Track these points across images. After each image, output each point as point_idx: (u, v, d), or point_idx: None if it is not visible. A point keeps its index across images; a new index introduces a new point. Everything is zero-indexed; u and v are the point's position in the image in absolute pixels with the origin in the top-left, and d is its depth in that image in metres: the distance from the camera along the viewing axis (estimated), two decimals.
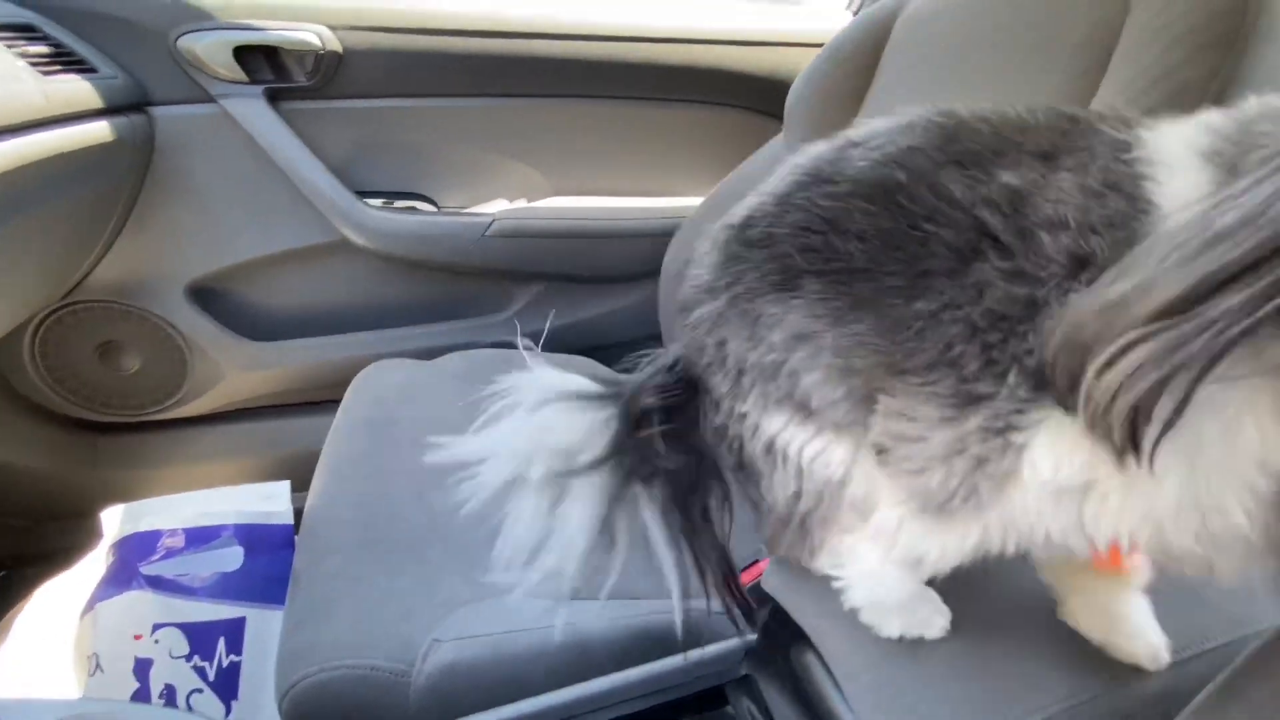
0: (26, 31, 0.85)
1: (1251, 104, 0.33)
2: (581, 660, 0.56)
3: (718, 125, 1.18)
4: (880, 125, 0.41)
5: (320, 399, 1.11)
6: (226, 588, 0.73)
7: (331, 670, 0.53)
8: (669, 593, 0.63)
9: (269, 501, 0.79)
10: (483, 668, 0.55)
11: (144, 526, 0.75)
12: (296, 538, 0.74)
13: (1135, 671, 0.43)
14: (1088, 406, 0.28)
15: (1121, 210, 0.32)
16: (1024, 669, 0.43)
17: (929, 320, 0.36)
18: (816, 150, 0.43)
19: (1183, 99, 0.51)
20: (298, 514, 0.75)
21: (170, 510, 0.77)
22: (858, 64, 0.83)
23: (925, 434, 0.37)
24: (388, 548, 0.65)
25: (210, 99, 0.98)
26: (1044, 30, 0.64)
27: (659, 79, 1.12)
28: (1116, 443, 0.28)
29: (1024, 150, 0.36)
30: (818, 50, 0.89)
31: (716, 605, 0.51)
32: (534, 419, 0.47)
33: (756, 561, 0.59)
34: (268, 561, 0.75)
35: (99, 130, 0.85)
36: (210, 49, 0.96)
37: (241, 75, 0.98)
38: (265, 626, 0.73)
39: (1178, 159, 0.32)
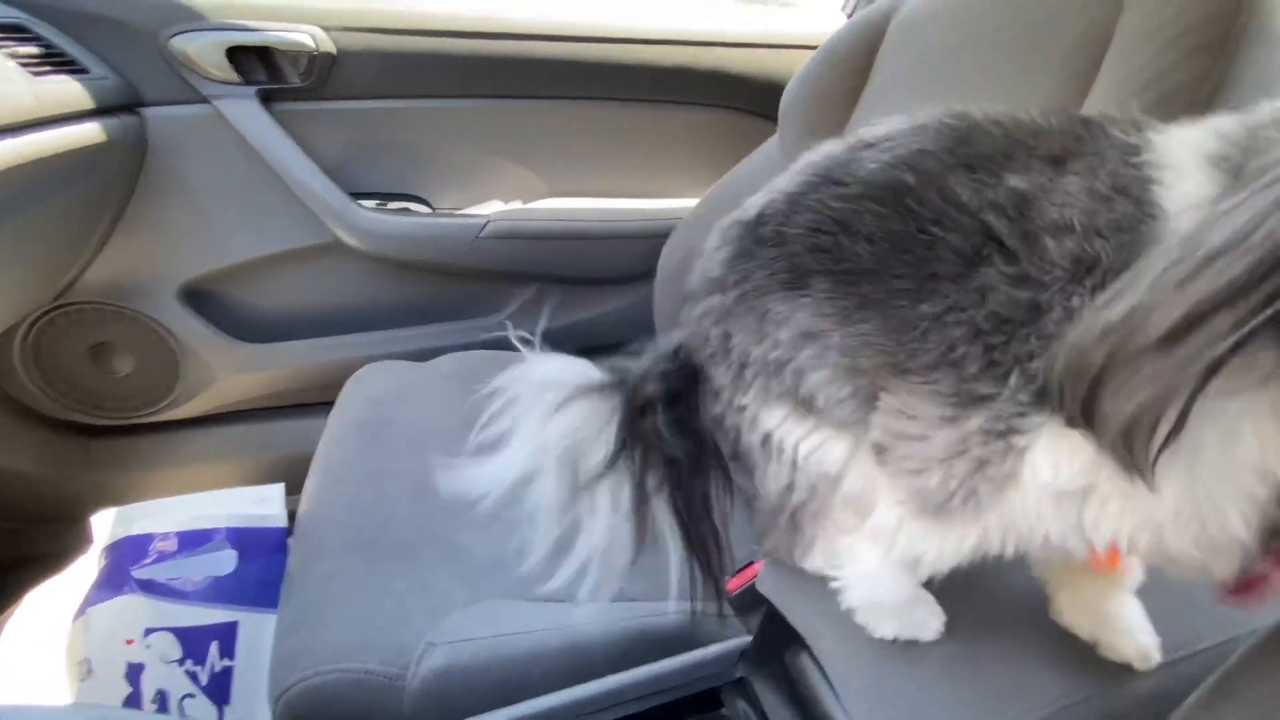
0: (16, 32, 0.85)
1: (1264, 109, 0.33)
2: (577, 663, 0.56)
3: (713, 127, 1.18)
4: (893, 126, 0.42)
5: (314, 401, 1.10)
6: (219, 592, 0.72)
7: (325, 674, 0.53)
8: (665, 594, 0.63)
9: (262, 505, 0.78)
10: (477, 671, 0.55)
11: (136, 530, 0.75)
12: (290, 541, 0.73)
13: (1128, 672, 0.43)
14: (1101, 432, 0.28)
15: (1128, 214, 0.33)
16: (1017, 670, 0.43)
17: (934, 322, 0.36)
18: (829, 149, 0.44)
19: (1175, 101, 0.51)
20: (291, 517, 0.75)
21: (162, 514, 0.77)
22: (852, 66, 0.83)
23: (926, 433, 0.37)
24: (382, 551, 0.65)
25: (203, 100, 0.98)
26: (1037, 32, 0.64)
27: (654, 80, 1.12)
28: (1130, 463, 0.28)
29: (1034, 154, 0.36)
30: (812, 52, 0.89)
31: (712, 595, 0.51)
32: (541, 417, 0.47)
33: (752, 563, 0.59)
34: (261, 565, 0.75)
35: (90, 131, 0.84)
36: (203, 49, 0.95)
37: (234, 76, 0.97)
38: (258, 630, 0.72)
39: (1185, 163, 0.32)
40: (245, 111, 0.99)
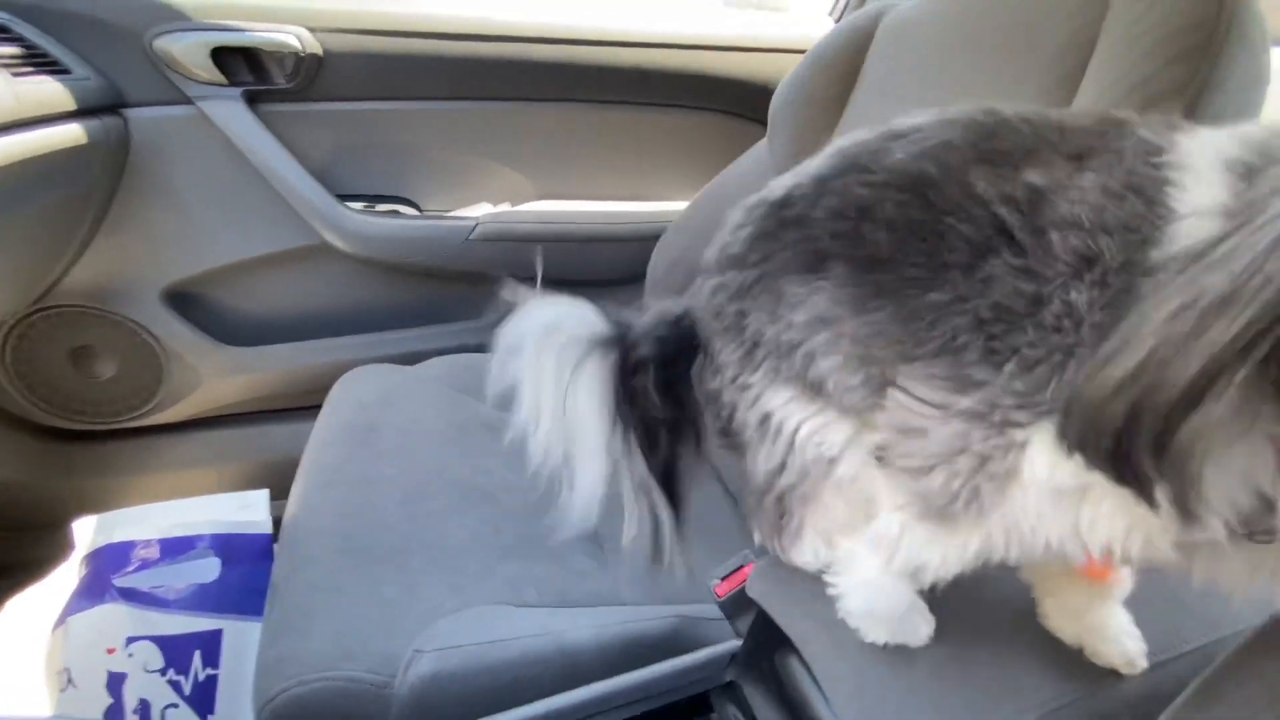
0: None
1: None
2: (566, 668, 0.56)
3: (702, 130, 1.18)
4: (924, 119, 0.42)
5: (300, 405, 1.09)
6: (203, 599, 0.71)
7: (311, 683, 0.52)
8: (654, 599, 0.63)
9: (247, 511, 0.77)
10: (465, 678, 0.54)
11: (117, 537, 0.73)
12: (275, 547, 0.72)
13: (1116, 675, 0.43)
14: (1136, 486, 0.28)
15: (1139, 213, 0.33)
16: (1006, 673, 0.43)
17: (941, 311, 0.37)
18: (860, 137, 0.44)
19: (1158, 106, 0.52)
20: (277, 523, 0.74)
21: (145, 520, 0.75)
22: (840, 70, 0.84)
23: (927, 426, 0.37)
24: (369, 557, 0.64)
25: (187, 100, 0.96)
26: (1023, 37, 0.65)
27: (644, 84, 1.12)
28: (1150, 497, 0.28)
29: (1057, 151, 0.37)
30: (801, 56, 0.90)
31: (656, 560, 0.51)
32: (544, 363, 0.48)
33: (741, 567, 0.58)
34: (245, 572, 0.74)
35: (72, 132, 0.83)
36: (187, 50, 0.94)
37: (219, 77, 0.96)
38: (243, 639, 0.72)
39: (1204, 167, 0.32)
40: (230, 113, 0.98)
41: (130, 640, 0.69)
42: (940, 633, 0.45)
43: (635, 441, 0.50)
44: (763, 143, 0.94)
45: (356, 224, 1.04)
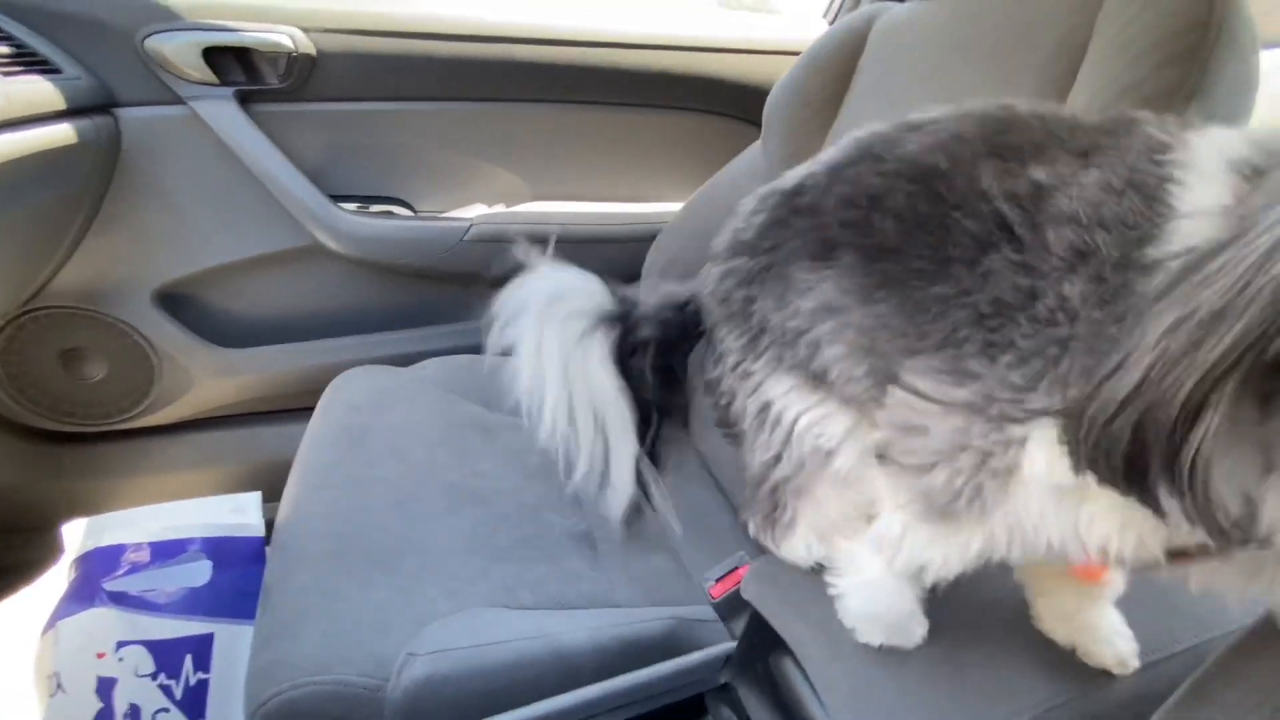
0: None
1: None
2: (560, 671, 0.56)
3: (697, 131, 1.18)
4: (940, 112, 0.42)
5: (293, 407, 1.09)
6: (194, 603, 0.71)
7: (303, 687, 0.52)
8: (648, 601, 0.63)
9: (239, 513, 0.77)
10: (459, 681, 0.54)
11: (107, 541, 0.73)
12: (268, 550, 0.72)
13: (1108, 675, 0.43)
14: (1148, 501, 0.28)
15: (1137, 209, 0.33)
16: (999, 675, 0.43)
17: (944, 305, 0.37)
18: (877, 128, 0.45)
19: (1150, 109, 0.52)
20: (269, 525, 0.74)
21: (135, 523, 0.75)
22: (834, 72, 0.84)
23: (927, 423, 0.37)
24: (362, 560, 0.64)
25: (179, 100, 0.96)
26: (1015, 41, 0.65)
27: (638, 85, 1.12)
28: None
29: (1065, 147, 0.37)
30: (795, 58, 0.90)
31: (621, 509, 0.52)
32: (546, 331, 0.48)
33: (736, 569, 0.59)
34: (237, 575, 0.73)
35: (62, 132, 0.83)
36: (179, 50, 0.94)
37: (211, 77, 0.96)
38: (234, 643, 0.71)
39: (1210, 166, 0.32)
40: (222, 113, 0.97)
41: (120, 644, 0.68)
42: (934, 635, 0.45)
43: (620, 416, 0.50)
44: (757, 144, 0.94)
45: (350, 225, 1.04)
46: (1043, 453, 0.34)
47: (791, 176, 0.47)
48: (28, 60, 0.84)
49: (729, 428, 0.49)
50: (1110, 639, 0.43)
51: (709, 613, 0.60)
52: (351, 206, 1.06)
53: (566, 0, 1.14)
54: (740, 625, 0.56)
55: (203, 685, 0.70)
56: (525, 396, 0.50)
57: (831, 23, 1.16)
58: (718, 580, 0.59)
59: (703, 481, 0.81)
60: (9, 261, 0.87)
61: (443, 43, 1.03)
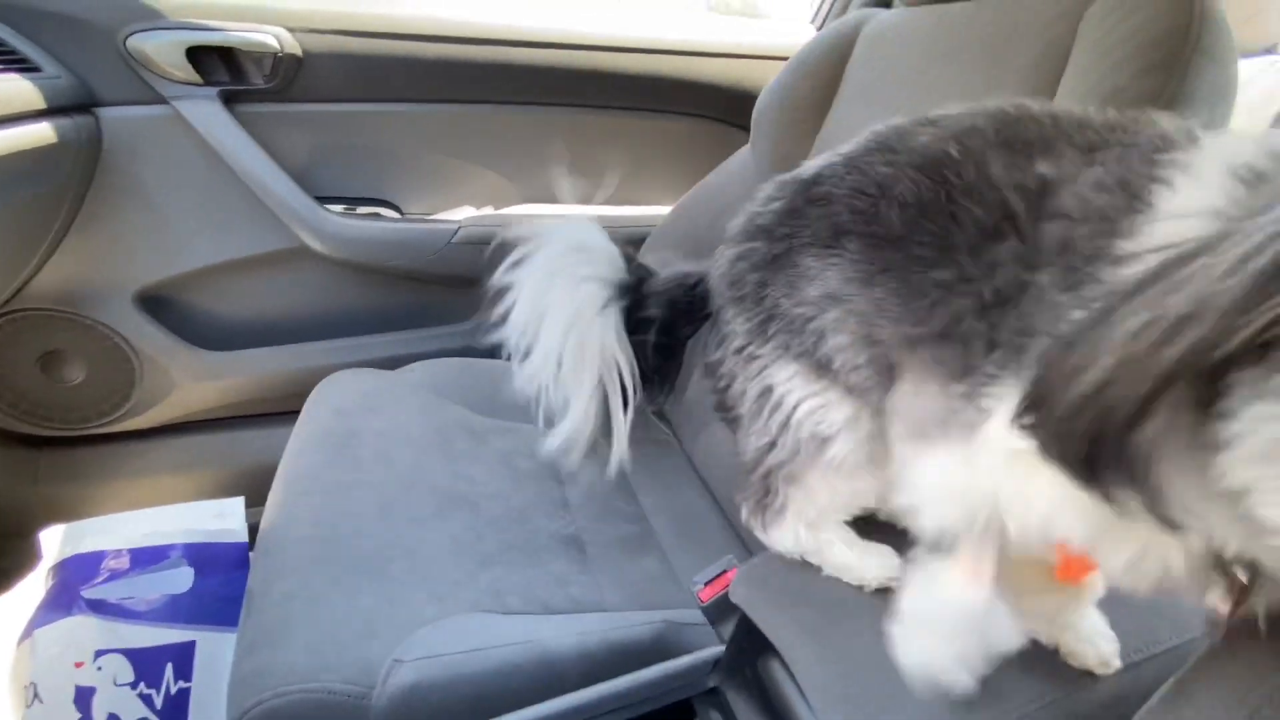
0: None
1: None
2: (548, 677, 0.56)
3: (686, 135, 1.18)
4: (957, 109, 0.43)
5: (277, 410, 1.07)
6: (175, 610, 0.69)
7: (287, 695, 0.51)
8: (636, 605, 0.62)
9: (221, 519, 0.76)
10: (446, 688, 0.53)
11: (86, 547, 0.72)
12: (251, 556, 0.71)
13: (1091, 676, 0.44)
14: (1101, 491, 0.29)
15: (1116, 205, 0.33)
16: (984, 677, 0.44)
17: (944, 291, 0.37)
18: (896, 122, 0.45)
19: None
20: (253, 531, 0.73)
21: (114, 529, 0.74)
22: (822, 77, 0.85)
23: (927, 407, 0.38)
24: (347, 566, 0.63)
25: (162, 100, 0.95)
26: (1000, 48, 0.66)
27: (628, 88, 1.12)
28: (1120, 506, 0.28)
29: (1071, 144, 0.37)
30: (783, 63, 0.90)
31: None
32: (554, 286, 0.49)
33: (725, 572, 0.59)
34: (220, 582, 0.72)
35: (41, 132, 0.81)
36: (162, 49, 0.92)
37: (195, 76, 0.95)
38: (216, 651, 0.70)
39: (1208, 168, 0.32)
40: (206, 113, 0.96)
41: (99, 653, 0.67)
42: None
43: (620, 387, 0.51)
44: (746, 148, 0.95)
45: (336, 227, 1.03)
46: (1002, 424, 0.34)
47: (810, 166, 0.48)
48: (6, 58, 0.83)
49: (726, 411, 0.49)
50: (1092, 639, 0.44)
51: (698, 616, 0.60)
52: (338, 208, 1.05)
53: (557, 3, 1.14)
54: (729, 629, 0.56)
55: (184, 694, 0.69)
56: (515, 333, 0.49)
57: (819, 28, 1.17)
58: (706, 583, 0.59)
59: (692, 485, 0.82)
60: None
61: (430, 44, 1.03)
